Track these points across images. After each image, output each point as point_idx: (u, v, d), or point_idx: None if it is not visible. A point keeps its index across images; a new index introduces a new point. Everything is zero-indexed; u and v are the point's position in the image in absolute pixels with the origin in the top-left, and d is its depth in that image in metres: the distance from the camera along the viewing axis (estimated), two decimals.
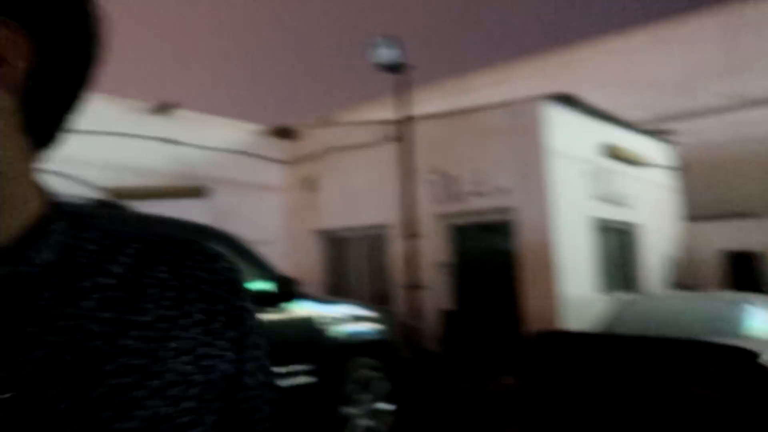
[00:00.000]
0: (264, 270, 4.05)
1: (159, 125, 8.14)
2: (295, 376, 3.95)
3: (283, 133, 9.61)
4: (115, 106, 7.72)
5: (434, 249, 7.83)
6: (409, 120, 7.83)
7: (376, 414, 4.54)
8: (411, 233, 7.60)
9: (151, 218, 3.85)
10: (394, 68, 7.55)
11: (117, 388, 0.50)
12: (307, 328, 4.15)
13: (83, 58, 0.55)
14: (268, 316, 3.94)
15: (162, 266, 0.58)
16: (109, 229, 0.59)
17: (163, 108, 8.15)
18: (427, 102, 8.55)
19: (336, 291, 8.78)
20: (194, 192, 8.29)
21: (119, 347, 0.51)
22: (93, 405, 0.49)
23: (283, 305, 4.00)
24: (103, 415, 0.49)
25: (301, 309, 4.13)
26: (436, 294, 7.70)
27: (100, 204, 3.62)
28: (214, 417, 0.56)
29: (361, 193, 8.61)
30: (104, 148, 7.36)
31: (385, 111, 8.80)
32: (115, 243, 0.57)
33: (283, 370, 3.88)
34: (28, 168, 0.53)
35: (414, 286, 7.50)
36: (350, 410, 4.36)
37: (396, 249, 8.10)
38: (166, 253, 0.59)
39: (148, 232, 0.60)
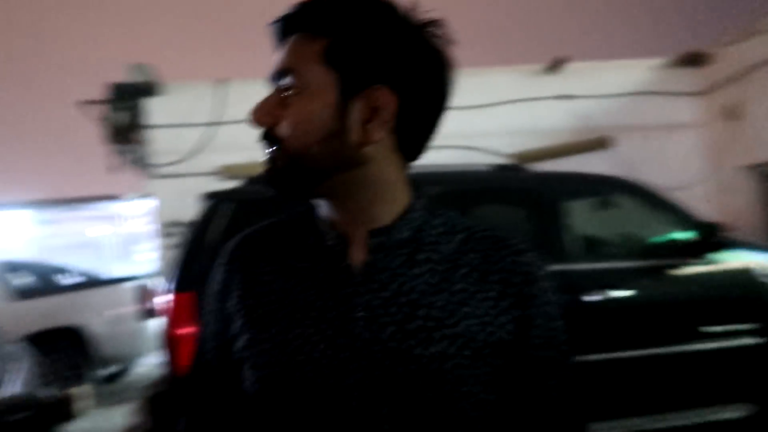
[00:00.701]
0: (681, 218, 3.61)
1: (554, 83, 8.16)
2: (733, 337, 3.42)
3: (692, 59, 8.43)
4: (508, 75, 8.06)
5: None
6: None
7: None
8: None
9: (551, 176, 3.87)
10: None
11: (422, 328, 0.75)
12: (744, 280, 3.53)
13: (435, 97, 0.78)
14: (691, 268, 3.51)
15: (476, 253, 0.80)
16: (449, 219, 0.83)
17: (555, 65, 8.12)
18: None
19: None
20: (597, 144, 8.05)
21: (430, 302, 0.76)
22: (405, 334, 0.75)
23: (710, 256, 3.50)
24: (410, 342, 0.75)
25: (733, 259, 3.54)
26: None
27: (501, 169, 3.80)
28: (489, 369, 0.77)
29: None
30: (505, 116, 7.78)
31: None
32: (449, 230, 0.81)
33: (717, 329, 3.40)
34: (400, 175, 0.80)
35: None
36: None
37: None
38: (483, 243, 0.81)
39: (477, 225, 0.82)
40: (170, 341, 2.86)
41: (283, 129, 0.75)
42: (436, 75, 0.78)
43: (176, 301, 2.88)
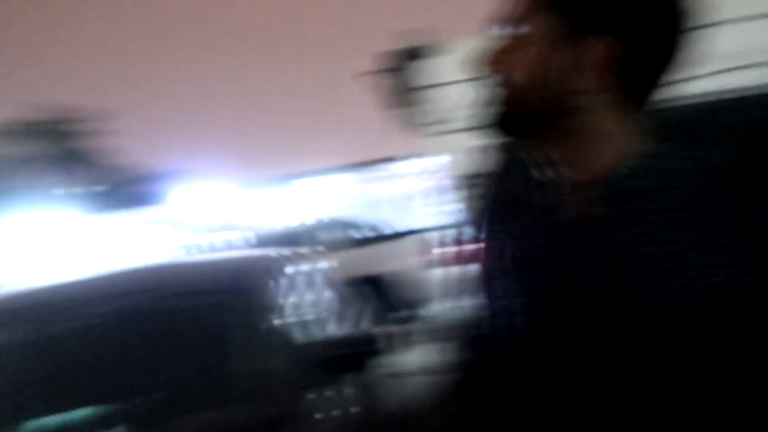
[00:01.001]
0: None
1: None
2: None
3: None
4: None
5: None
6: None
7: None
8: None
9: None
10: None
11: (633, 281, 0.72)
12: None
13: (663, 50, 0.76)
14: None
15: (704, 196, 0.72)
16: (677, 163, 0.75)
17: None
18: None
19: None
20: None
21: (644, 254, 0.72)
22: (614, 289, 0.73)
23: None
24: (620, 298, 0.72)
25: None
26: None
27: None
28: (717, 326, 0.69)
29: None
30: None
31: None
32: (674, 176, 0.74)
33: None
34: (621, 125, 0.78)
35: None
36: None
37: None
38: (715, 184, 0.72)
39: (714, 163, 0.74)
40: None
41: (509, 74, 0.79)
42: (666, 28, 0.76)
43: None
